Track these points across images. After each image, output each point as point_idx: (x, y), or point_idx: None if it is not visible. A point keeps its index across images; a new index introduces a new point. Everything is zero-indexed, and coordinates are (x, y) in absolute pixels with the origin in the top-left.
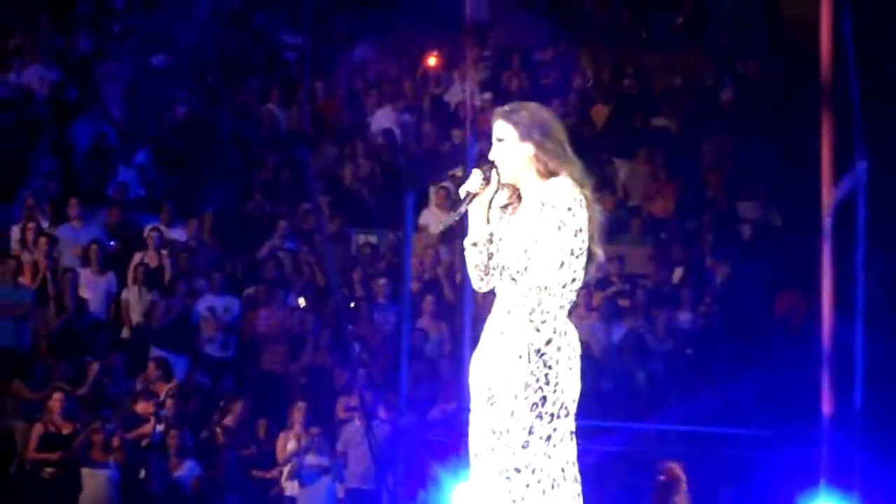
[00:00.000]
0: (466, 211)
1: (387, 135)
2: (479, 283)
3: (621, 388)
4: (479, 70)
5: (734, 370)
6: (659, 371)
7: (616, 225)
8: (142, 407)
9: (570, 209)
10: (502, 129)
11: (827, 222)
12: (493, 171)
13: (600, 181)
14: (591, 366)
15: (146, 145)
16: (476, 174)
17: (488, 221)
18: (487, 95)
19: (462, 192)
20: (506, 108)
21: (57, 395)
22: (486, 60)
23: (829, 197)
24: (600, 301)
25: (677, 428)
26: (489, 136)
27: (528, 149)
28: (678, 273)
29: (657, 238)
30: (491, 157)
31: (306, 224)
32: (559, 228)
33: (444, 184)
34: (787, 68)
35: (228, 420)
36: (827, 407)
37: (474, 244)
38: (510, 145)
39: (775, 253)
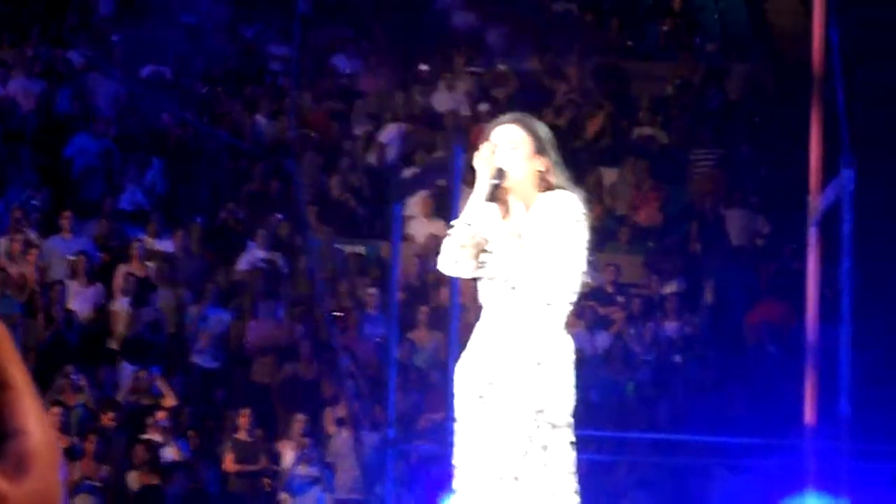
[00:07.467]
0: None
1: (373, 145)
2: (454, 267)
3: (608, 397)
4: (466, 80)
5: (721, 378)
6: (645, 380)
7: (604, 233)
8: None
9: (578, 221)
10: (516, 136)
11: (812, 231)
12: (501, 174)
13: (588, 190)
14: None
15: (138, 157)
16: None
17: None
18: (484, 107)
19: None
20: (517, 115)
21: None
22: (473, 71)
23: (815, 205)
24: (586, 309)
25: (664, 436)
26: (477, 145)
27: (542, 163)
28: (665, 282)
29: (645, 247)
30: (497, 161)
31: (285, 234)
32: (575, 244)
33: (431, 193)
34: (774, 77)
35: (241, 434)
36: (809, 415)
37: (469, 224)
38: (524, 155)
39: (763, 261)
